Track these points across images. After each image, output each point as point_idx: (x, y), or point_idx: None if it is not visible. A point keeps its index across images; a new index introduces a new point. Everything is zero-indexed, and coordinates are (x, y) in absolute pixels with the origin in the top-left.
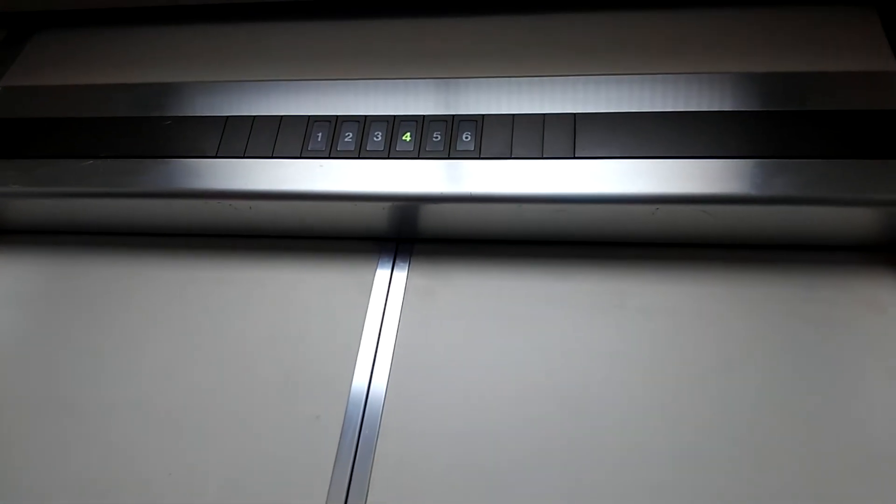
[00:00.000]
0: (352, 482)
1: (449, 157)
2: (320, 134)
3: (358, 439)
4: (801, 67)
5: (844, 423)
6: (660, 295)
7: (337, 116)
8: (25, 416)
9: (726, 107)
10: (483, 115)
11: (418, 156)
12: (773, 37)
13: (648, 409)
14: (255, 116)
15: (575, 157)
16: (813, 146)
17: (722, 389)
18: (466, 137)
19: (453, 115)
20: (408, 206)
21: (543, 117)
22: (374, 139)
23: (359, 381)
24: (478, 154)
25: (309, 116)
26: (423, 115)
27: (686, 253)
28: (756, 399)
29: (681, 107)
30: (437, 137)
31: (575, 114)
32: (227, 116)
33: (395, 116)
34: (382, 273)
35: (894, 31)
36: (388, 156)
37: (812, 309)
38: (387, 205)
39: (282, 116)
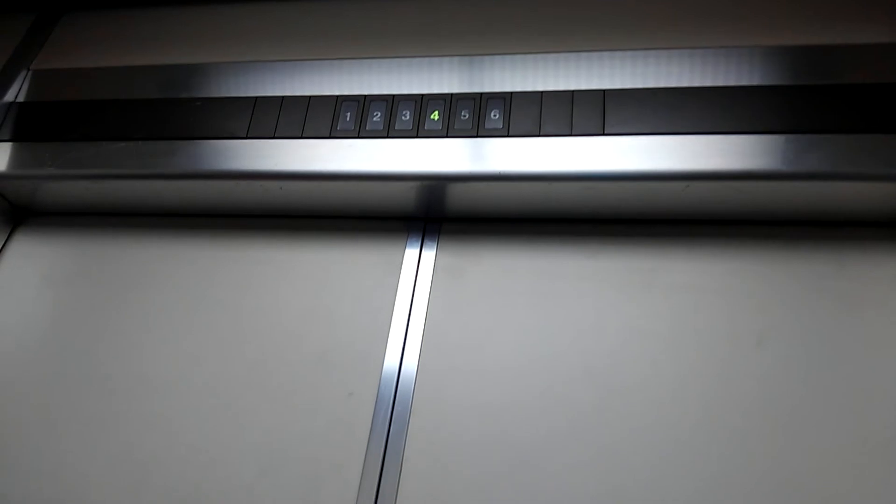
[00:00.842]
0: (385, 458)
1: (477, 136)
2: (349, 113)
3: (391, 416)
4: (830, 40)
5: (873, 399)
6: (690, 272)
7: (365, 96)
8: (62, 393)
9: (756, 81)
10: (511, 93)
11: (447, 134)
12: (802, 9)
13: (677, 383)
14: (283, 97)
15: (604, 134)
16: (844, 120)
17: (752, 366)
18: (495, 115)
19: (481, 93)
20: (436, 185)
21: (572, 94)
22: (403, 118)
23: (391, 359)
24: (506, 132)
25: (337, 96)
26: (451, 94)
27: (716, 230)
28: (786, 374)
29: (710, 82)
30: (465, 116)
31: (604, 90)
32: (257, 97)
33: (422, 95)
34: (411, 252)
35: None
36: (417, 135)
37: (842, 285)
38: (415, 184)
39: (310, 97)
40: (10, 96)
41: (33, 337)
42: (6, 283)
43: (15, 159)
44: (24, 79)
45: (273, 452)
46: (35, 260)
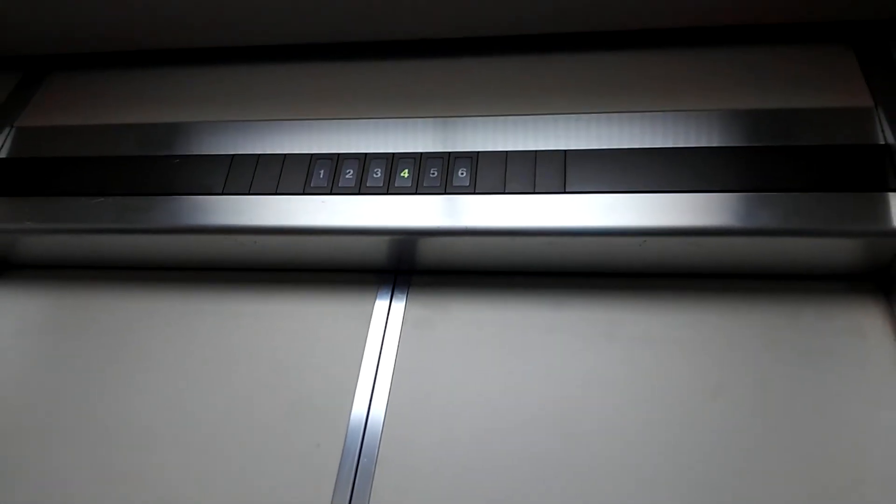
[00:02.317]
0: None
1: (445, 193)
2: (322, 171)
3: (357, 466)
4: (783, 105)
5: (829, 447)
6: (649, 324)
7: (338, 154)
8: (37, 442)
9: (712, 142)
10: (478, 152)
11: (416, 191)
12: (756, 75)
13: (637, 432)
14: (259, 154)
15: (566, 192)
16: (795, 180)
17: (710, 415)
18: (462, 173)
19: (449, 153)
20: (406, 239)
21: (535, 154)
22: (374, 175)
23: (358, 410)
24: (473, 189)
25: (311, 154)
26: (421, 153)
27: (674, 283)
28: (742, 425)
29: (668, 143)
30: (433, 173)
31: (566, 150)
32: (233, 155)
33: (393, 154)
34: (381, 304)
35: (870, 69)
36: (388, 191)
37: (797, 336)
38: (386, 238)
39: (285, 154)
40: None
41: (9, 388)
42: None
43: None
44: (8, 135)
45: (241, 502)
46: (12, 312)
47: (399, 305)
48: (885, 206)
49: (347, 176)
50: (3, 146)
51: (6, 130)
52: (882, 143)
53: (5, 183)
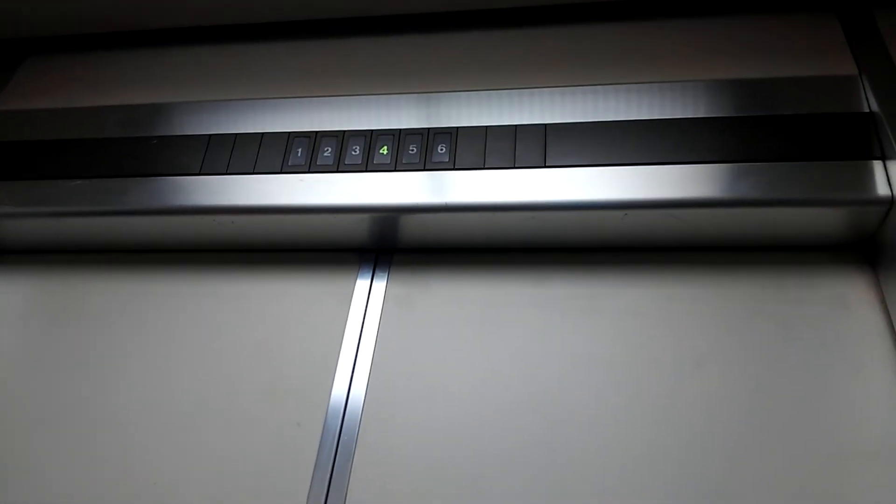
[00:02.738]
0: (330, 488)
1: (425, 169)
2: (300, 149)
3: (337, 446)
4: (766, 74)
5: (812, 418)
6: (631, 297)
7: (316, 132)
8: (21, 427)
9: (696, 113)
10: (457, 128)
11: (395, 168)
12: (739, 44)
13: (622, 407)
14: (237, 134)
15: (546, 167)
16: (778, 149)
17: (694, 387)
18: (441, 149)
19: (428, 129)
20: (386, 217)
21: (515, 128)
22: (353, 153)
23: (338, 390)
24: (452, 165)
25: (289, 133)
26: (400, 129)
27: (656, 256)
28: (727, 396)
29: (649, 115)
30: (413, 150)
31: (545, 124)
32: (211, 135)
33: (372, 131)
34: (362, 283)
35: (854, 37)
36: (367, 169)
37: (781, 308)
38: (366, 216)
39: (263, 133)
40: None
41: None
42: None
43: None
44: None
45: (222, 482)
46: None
47: (380, 284)
48: (870, 174)
49: (325, 154)
50: None
51: None
52: (867, 110)
53: None
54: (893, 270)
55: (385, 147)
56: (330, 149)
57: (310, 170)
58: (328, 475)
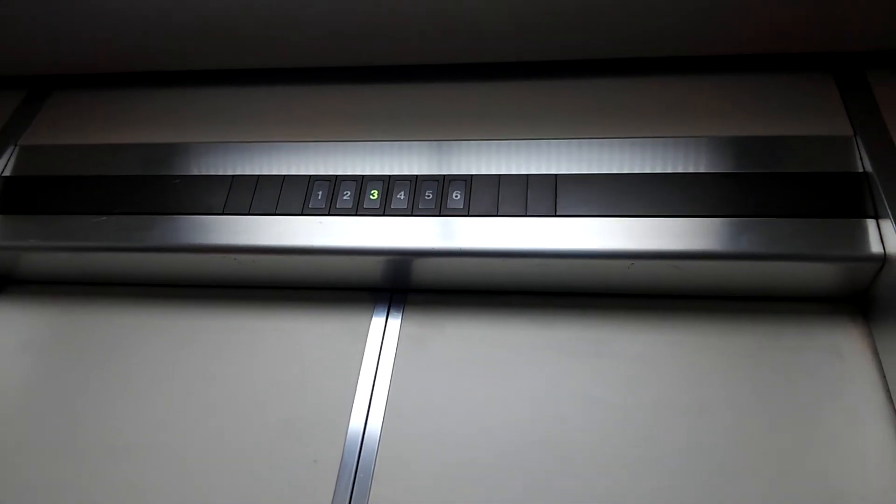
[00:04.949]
0: None
1: (440, 215)
2: (320, 192)
3: (353, 482)
4: (766, 132)
5: (808, 463)
6: (636, 343)
7: (336, 176)
8: (36, 458)
9: (697, 168)
10: (472, 175)
11: (412, 213)
12: (741, 102)
13: (626, 450)
14: (259, 175)
15: (556, 216)
16: (777, 206)
17: (694, 433)
18: (456, 196)
19: (444, 175)
20: (402, 259)
21: (527, 178)
22: (371, 197)
23: (355, 427)
24: (467, 212)
25: (310, 176)
26: (417, 175)
27: (660, 304)
28: (725, 441)
29: (655, 168)
30: (429, 196)
31: (556, 174)
32: (234, 175)
33: (390, 176)
34: (377, 322)
35: (849, 97)
36: (384, 213)
37: (778, 356)
38: (382, 259)
39: (285, 176)
40: None
41: (10, 403)
42: None
43: None
44: (12, 154)
45: None
46: (13, 327)
47: (395, 323)
48: (864, 231)
49: (345, 197)
50: (6, 164)
51: (10, 149)
52: (861, 170)
53: (9, 201)
54: (885, 323)
55: (402, 192)
56: (349, 192)
57: (330, 212)
58: None
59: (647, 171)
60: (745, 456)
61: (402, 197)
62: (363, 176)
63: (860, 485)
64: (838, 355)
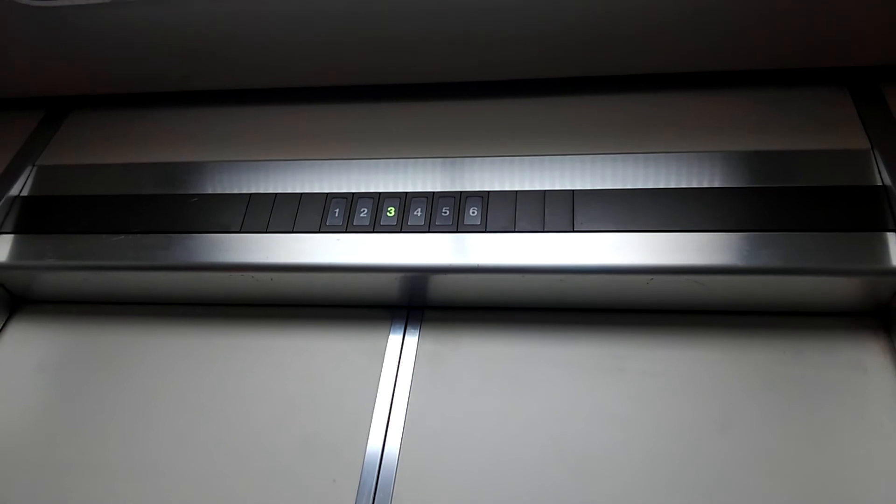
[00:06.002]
0: None
1: (457, 231)
2: (337, 210)
3: (373, 502)
4: (783, 146)
5: (833, 478)
6: (656, 359)
7: (353, 193)
8: (55, 478)
9: (715, 183)
10: (488, 192)
11: (428, 230)
12: (758, 117)
13: (648, 468)
14: (276, 194)
15: (574, 231)
16: (796, 220)
17: (717, 448)
18: (473, 212)
19: (461, 192)
20: (419, 276)
21: (544, 193)
22: (388, 214)
23: (373, 445)
24: (484, 228)
25: (327, 194)
26: (433, 192)
27: (680, 319)
28: (748, 458)
29: (672, 184)
30: (445, 212)
31: (573, 190)
32: (251, 194)
33: (406, 193)
34: (395, 339)
35: (865, 111)
36: (401, 230)
37: (800, 372)
38: (399, 275)
39: (302, 194)
40: (14, 190)
41: (28, 422)
42: (1, 368)
43: (16, 251)
44: (30, 174)
45: None
46: (31, 346)
47: (412, 340)
48: (884, 245)
49: (362, 215)
50: (25, 184)
51: (28, 169)
52: (879, 184)
53: (27, 220)
54: None
55: (419, 209)
56: (366, 210)
57: (347, 230)
58: None
59: (665, 185)
60: (768, 472)
61: (419, 214)
62: (380, 193)
63: (885, 501)
64: (861, 370)
